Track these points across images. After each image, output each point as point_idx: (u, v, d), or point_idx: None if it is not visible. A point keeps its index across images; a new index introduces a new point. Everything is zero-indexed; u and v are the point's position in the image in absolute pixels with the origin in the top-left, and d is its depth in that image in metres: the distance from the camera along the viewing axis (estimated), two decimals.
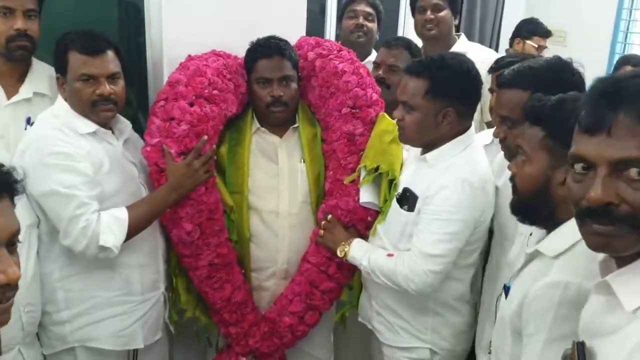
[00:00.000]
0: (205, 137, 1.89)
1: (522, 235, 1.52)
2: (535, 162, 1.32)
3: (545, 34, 3.69)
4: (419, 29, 2.93)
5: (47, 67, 1.98)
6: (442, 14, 2.86)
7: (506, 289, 1.45)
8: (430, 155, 1.84)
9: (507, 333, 1.39)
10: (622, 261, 0.97)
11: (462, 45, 2.87)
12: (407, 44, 2.46)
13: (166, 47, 2.09)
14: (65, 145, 1.74)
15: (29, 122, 1.97)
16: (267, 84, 2.01)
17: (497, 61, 2.25)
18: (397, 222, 1.89)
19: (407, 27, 4.03)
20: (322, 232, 2.04)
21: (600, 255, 1.05)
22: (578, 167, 0.97)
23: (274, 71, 2.00)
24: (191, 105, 1.89)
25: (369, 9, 2.95)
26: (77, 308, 1.87)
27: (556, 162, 1.26)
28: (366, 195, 2.00)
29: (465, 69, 1.82)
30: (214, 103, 1.93)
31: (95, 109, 1.81)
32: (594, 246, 0.97)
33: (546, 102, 1.33)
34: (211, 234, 1.97)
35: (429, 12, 2.85)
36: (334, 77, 2.05)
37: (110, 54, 1.81)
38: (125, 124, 1.98)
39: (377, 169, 1.97)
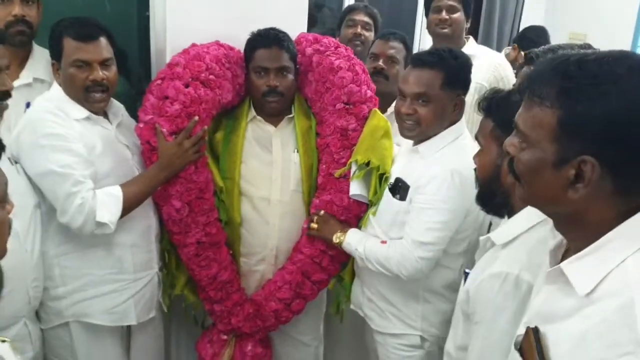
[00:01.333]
0: (196, 117, 1.94)
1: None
2: (487, 152, 1.38)
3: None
4: (432, 28, 2.98)
5: (47, 53, 2.05)
6: (455, 15, 2.91)
7: (465, 275, 1.51)
8: (422, 146, 1.90)
9: (460, 318, 1.47)
10: (573, 249, 1.01)
11: (471, 48, 2.92)
12: (403, 38, 2.53)
13: (169, 37, 2.14)
14: (58, 127, 1.81)
15: (28, 106, 2.04)
16: (264, 73, 2.07)
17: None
18: (389, 211, 1.95)
19: (424, 28, 4.05)
20: (314, 225, 2.09)
21: (550, 245, 1.09)
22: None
23: (271, 61, 2.06)
24: (186, 86, 1.95)
25: (367, 19, 3.04)
26: (72, 284, 1.94)
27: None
28: (356, 188, 2.05)
29: (467, 59, 1.94)
30: (208, 87, 1.99)
31: (88, 95, 1.87)
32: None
33: (497, 95, 1.38)
34: (200, 213, 2.03)
35: (443, 12, 2.91)
36: (330, 72, 2.10)
37: (103, 40, 1.87)
38: (118, 108, 2.05)
39: (368, 163, 2.02)
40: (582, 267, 0.96)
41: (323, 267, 2.14)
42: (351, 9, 3.15)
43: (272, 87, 2.06)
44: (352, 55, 2.18)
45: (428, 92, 1.83)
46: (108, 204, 1.83)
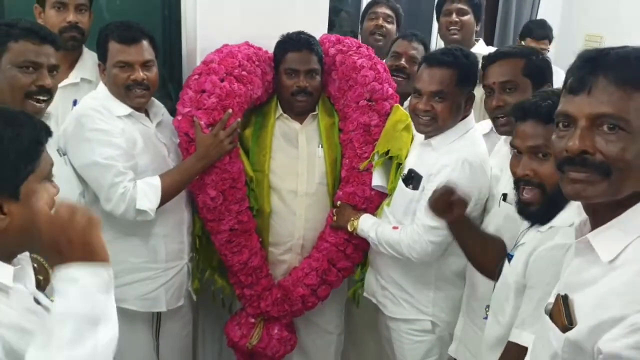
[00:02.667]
0: (230, 110, 2.05)
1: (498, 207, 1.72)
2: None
3: (540, 36, 3.61)
4: (443, 31, 3.07)
5: (95, 55, 2.17)
6: (465, 18, 3.00)
7: (509, 257, 1.58)
8: (434, 140, 2.00)
9: (510, 295, 1.53)
10: (597, 222, 1.10)
11: (480, 49, 2.98)
12: (424, 40, 2.64)
13: (200, 39, 2.26)
14: (102, 123, 1.94)
15: (75, 104, 2.18)
16: (294, 74, 2.18)
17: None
18: (402, 200, 2.05)
19: None
20: (335, 218, 2.21)
21: (576, 222, 1.18)
22: (561, 124, 1.10)
23: (301, 64, 2.17)
24: (222, 81, 2.06)
25: (389, 11, 3.12)
26: None
27: None
28: (377, 179, 2.17)
29: (475, 57, 2.04)
30: (241, 82, 2.09)
31: (130, 93, 1.99)
32: (570, 194, 1.09)
33: (552, 99, 1.43)
34: (233, 201, 2.14)
35: (453, 16, 3.00)
36: (353, 71, 2.21)
37: (144, 43, 1.99)
38: (159, 107, 2.17)
39: (387, 153, 2.13)
40: (607, 237, 1.05)
41: (347, 255, 2.25)
42: (374, 3, 3.21)
43: (301, 88, 2.18)
44: (373, 55, 2.28)
45: (444, 89, 1.93)
46: (148, 192, 1.95)
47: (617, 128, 1.01)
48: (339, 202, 2.22)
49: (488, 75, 1.92)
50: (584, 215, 1.14)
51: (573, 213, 1.42)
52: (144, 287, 2.11)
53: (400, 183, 2.06)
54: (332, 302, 2.41)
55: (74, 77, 2.26)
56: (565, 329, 1.05)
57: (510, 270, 1.54)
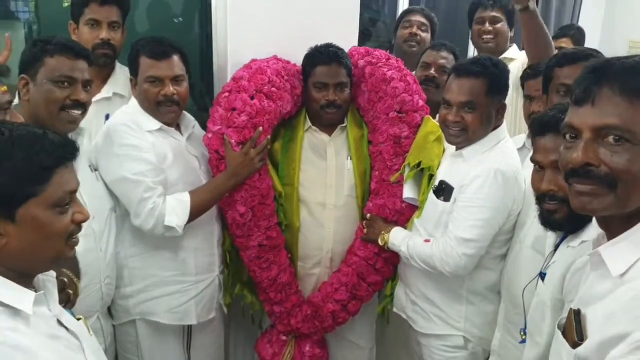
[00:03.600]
0: (260, 128, 2.06)
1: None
2: None
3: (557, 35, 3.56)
4: (476, 40, 3.02)
5: (127, 70, 2.20)
6: (498, 25, 2.94)
7: (542, 275, 1.54)
8: (465, 150, 1.97)
9: (547, 313, 1.50)
10: (611, 236, 1.08)
11: (513, 54, 2.93)
12: (453, 49, 2.59)
13: (230, 53, 2.27)
14: (132, 138, 1.96)
15: (107, 118, 2.22)
16: (323, 88, 2.17)
17: (532, 67, 2.32)
18: (433, 212, 2.02)
19: None
20: (365, 230, 2.19)
21: (593, 235, 1.17)
22: (568, 136, 1.08)
23: (331, 77, 2.17)
24: (252, 98, 2.07)
25: (423, 19, 3.08)
26: (138, 284, 2.09)
27: None
28: (408, 191, 2.14)
29: (505, 66, 2.02)
30: (271, 99, 2.10)
31: (160, 108, 2.01)
32: (577, 206, 1.08)
33: None
34: (262, 217, 2.14)
35: (487, 24, 2.94)
36: (383, 83, 2.19)
37: (175, 58, 2.01)
38: (189, 120, 2.19)
39: (419, 164, 2.10)
40: (617, 250, 1.04)
41: (377, 269, 2.23)
42: (408, 11, 3.21)
43: (330, 101, 2.17)
44: (403, 67, 2.27)
45: (474, 99, 1.90)
46: (176, 209, 1.97)
47: (623, 140, 0.99)
48: (368, 215, 2.20)
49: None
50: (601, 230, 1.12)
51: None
52: (174, 301, 2.13)
53: (431, 195, 2.03)
54: (363, 316, 2.39)
55: (106, 91, 2.30)
56: (575, 344, 1.04)
57: (544, 289, 1.51)
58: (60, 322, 1.20)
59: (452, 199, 1.94)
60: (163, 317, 2.13)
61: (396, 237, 2.09)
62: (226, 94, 2.10)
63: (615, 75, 1.01)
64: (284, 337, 2.31)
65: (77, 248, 1.66)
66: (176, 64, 2.01)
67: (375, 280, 2.26)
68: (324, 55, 2.18)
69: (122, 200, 1.99)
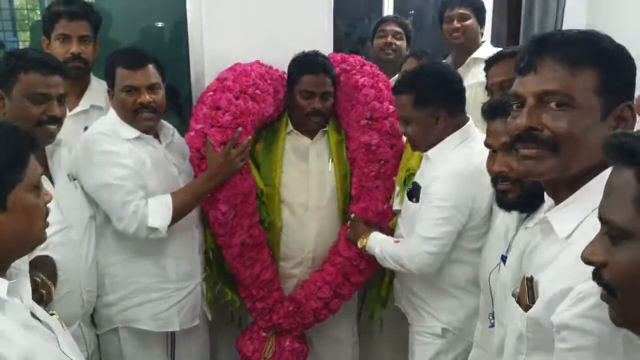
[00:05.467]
0: (241, 129, 2.06)
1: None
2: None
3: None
4: (447, 38, 3.04)
5: (103, 83, 2.23)
6: (467, 22, 2.96)
7: (504, 258, 1.56)
8: (430, 152, 2.00)
9: (508, 294, 1.46)
10: (558, 202, 1.12)
11: (484, 51, 2.90)
12: (428, 55, 2.65)
13: (207, 61, 2.30)
14: (110, 146, 1.97)
15: (86, 130, 2.21)
16: (309, 96, 2.20)
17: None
18: (407, 214, 2.07)
19: None
20: (349, 231, 2.22)
21: (545, 207, 1.19)
22: (515, 105, 1.13)
23: (318, 86, 2.20)
24: (236, 98, 2.08)
25: (397, 28, 3.14)
26: (120, 292, 2.08)
27: None
28: (397, 204, 2.19)
29: (441, 72, 2.04)
30: (255, 101, 2.12)
31: (138, 117, 2.03)
32: (522, 171, 1.13)
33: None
34: (244, 216, 2.14)
35: (455, 22, 2.97)
36: (355, 90, 2.22)
37: (150, 67, 2.02)
38: (168, 129, 2.20)
39: (408, 177, 2.13)
40: (563, 214, 1.09)
41: (361, 270, 2.25)
42: (382, 21, 3.26)
43: (316, 110, 2.20)
44: (377, 72, 2.28)
45: (404, 115, 1.99)
46: (159, 210, 1.97)
47: (563, 104, 1.04)
48: (352, 215, 2.23)
49: (490, 76, 1.94)
50: (551, 201, 1.16)
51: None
52: (157, 307, 2.12)
53: (406, 197, 2.07)
54: (344, 312, 2.40)
55: (83, 104, 2.32)
56: (527, 308, 1.08)
57: (505, 271, 1.52)
58: (34, 315, 1.21)
59: (420, 201, 1.98)
60: (146, 324, 2.12)
61: (373, 241, 2.12)
62: (211, 93, 2.11)
63: (556, 45, 1.06)
64: (264, 334, 2.31)
65: (56, 256, 1.70)
66: (151, 72, 2.03)
67: (358, 281, 2.27)
68: (312, 64, 2.20)
69: (104, 206, 2.00)
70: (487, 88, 2.25)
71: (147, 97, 2.01)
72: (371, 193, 2.21)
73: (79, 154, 1.99)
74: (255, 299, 2.25)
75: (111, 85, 2.05)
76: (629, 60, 1.08)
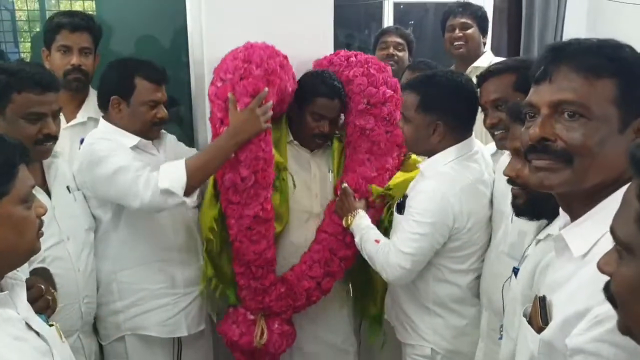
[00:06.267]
0: (267, 89, 1.97)
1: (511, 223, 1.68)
2: None
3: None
4: (448, 47, 3.06)
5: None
6: (469, 31, 3.00)
7: (516, 271, 1.51)
8: (422, 165, 1.98)
9: (517, 309, 1.44)
10: (573, 219, 1.08)
11: (485, 60, 2.94)
12: (429, 66, 2.61)
13: (207, 68, 2.26)
14: (110, 144, 1.97)
15: (82, 142, 2.19)
16: (320, 119, 2.18)
17: None
18: (395, 226, 2.03)
19: None
20: (337, 204, 2.21)
21: (561, 224, 1.14)
22: (528, 115, 1.10)
23: (330, 111, 2.18)
24: (268, 58, 2.02)
25: (399, 39, 3.17)
26: (129, 299, 2.08)
27: None
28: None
29: (454, 85, 1.94)
30: (283, 69, 2.07)
31: (154, 128, 2.07)
32: (535, 183, 1.08)
33: None
34: (262, 186, 2.05)
35: (457, 31, 2.99)
36: (348, 84, 2.20)
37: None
38: (168, 137, 2.21)
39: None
40: (579, 232, 1.03)
41: (347, 244, 2.20)
42: (383, 32, 3.29)
43: (323, 133, 2.20)
44: (366, 59, 2.23)
45: (405, 113, 1.96)
46: (170, 171, 1.91)
47: (578, 115, 1.00)
48: (343, 185, 2.18)
49: (481, 94, 1.90)
50: (566, 217, 1.12)
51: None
52: (165, 313, 2.12)
53: (395, 210, 2.04)
54: (342, 319, 2.41)
55: (81, 116, 2.32)
56: (540, 330, 1.03)
57: (516, 284, 1.49)
58: (29, 326, 1.19)
59: (405, 211, 1.95)
60: (154, 331, 2.11)
61: (358, 225, 2.09)
62: (242, 48, 2.02)
63: (572, 54, 1.03)
64: (252, 317, 2.21)
65: (53, 270, 1.67)
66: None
67: (346, 255, 2.21)
68: (328, 88, 2.15)
69: (117, 196, 1.94)
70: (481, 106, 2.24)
71: (165, 113, 2.06)
72: (362, 164, 2.19)
73: (82, 161, 1.98)
74: (252, 277, 2.15)
75: (123, 93, 2.02)
76: None
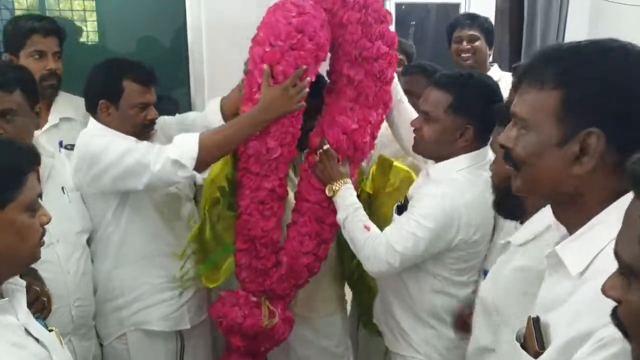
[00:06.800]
0: (305, 66, 1.84)
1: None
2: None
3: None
4: (456, 59, 3.05)
5: (68, 95, 2.21)
6: (477, 44, 3.00)
7: (485, 273, 1.55)
8: (432, 169, 1.88)
9: (479, 309, 1.52)
10: (571, 229, 1.04)
11: (494, 74, 2.91)
12: (421, 68, 2.51)
13: (207, 67, 2.30)
14: (103, 139, 1.92)
15: (61, 144, 2.21)
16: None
17: None
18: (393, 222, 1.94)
19: None
20: (318, 165, 2.01)
21: (556, 238, 1.11)
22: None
23: None
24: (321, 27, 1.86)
25: (401, 56, 3.08)
26: (131, 294, 2.06)
27: None
28: None
29: (490, 89, 1.85)
30: (325, 49, 1.92)
31: (144, 130, 2.03)
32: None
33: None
34: (285, 161, 1.96)
35: (465, 43, 3.00)
36: (339, 29, 1.93)
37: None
38: (157, 135, 2.12)
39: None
40: (575, 247, 0.99)
41: (333, 210, 2.02)
42: None
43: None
44: (367, 2, 1.92)
45: (431, 112, 1.81)
46: (180, 142, 1.85)
47: (520, 126, 1.03)
48: (325, 146, 1.97)
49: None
50: (563, 230, 1.09)
51: (528, 231, 1.41)
52: (168, 307, 2.11)
53: (395, 212, 1.95)
54: (340, 324, 2.36)
55: (53, 119, 2.29)
56: (537, 354, 0.98)
57: (484, 285, 1.54)
58: (28, 332, 1.20)
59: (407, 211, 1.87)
60: (158, 325, 2.10)
61: (344, 198, 1.94)
62: (294, 14, 1.84)
63: (532, 65, 1.03)
64: (255, 299, 2.07)
65: (40, 272, 1.65)
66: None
67: (334, 221, 2.02)
68: None
69: (126, 175, 1.87)
70: None
71: (156, 114, 2.02)
72: (344, 112, 1.96)
73: (78, 161, 1.94)
74: (256, 255, 2.02)
75: (111, 96, 1.96)
76: (603, 80, 0.95)
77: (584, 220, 0.98)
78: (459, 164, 1.82)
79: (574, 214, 1.01)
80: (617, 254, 0.78)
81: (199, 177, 1.88)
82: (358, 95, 1.96)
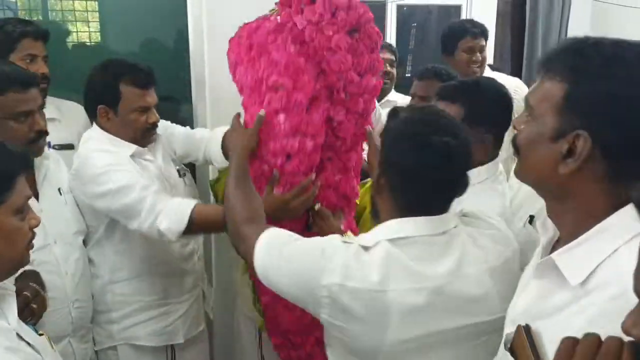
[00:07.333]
0: (313, 175, 1.72)
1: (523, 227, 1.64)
2: None
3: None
4: (464, 68, 2.98)
5: (49, 97, 2.17)
6: (484, 54, 3.04)
7: None
8: None
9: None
10: (564, 238, 1.01)
11: (487, 75, 2.96)
12: (436, 73, 2.49)
13: (208, 69, 2.27)
14: (111, 158, 1.88)
15: (49, 145, 2.14)
16: None
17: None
18: None
19: None
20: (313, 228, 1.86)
21: (543, 241, 1.08)
22: None
23: None
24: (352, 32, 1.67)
25: (391, 56, 3.21)
26: (122, 310, 2.02)
27: None
28: None
29: (501, 94, 1.77)
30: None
31: (147, 134, 1.98)
32: None
33: None
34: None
35: (477, 54, 2.99)
36: (326, 51, 1.65)
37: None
38: (159, 138, 2.09)
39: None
40: (574, 256, 0.95)
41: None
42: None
43: None
44: (359, 19, 1.67)
45: None
46: (172, 212, 1.79)
47: (528, 114, 1.04)
48: (317, 206, 1.81)
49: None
50: (550, 232, 1.06)
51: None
52: (161, 323, 2.07)
53: None
54: None
55: None
56: None
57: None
58: (20, 337, 1.19)
59: None
60: (148, 341, 2.06)
61: None
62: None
63: (549, 57, 1.02)
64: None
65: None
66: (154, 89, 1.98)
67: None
68: None
69: (117, 213, 1.86)
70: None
71: (157, 116, 1.97)
72: (325, 168, 1.78)
73: (76, 174, 1.91)
74: (293, 346, 1.90)
75: (109, 101, 1.92)
76: (607, 79, 0.92)
77: (582, 229, 0.95)
78: (480, 176, 1.66)
79: (570, 218, 0.99)
80: (637, 291, 0.73)
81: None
82: (336, 140, 1.78)
